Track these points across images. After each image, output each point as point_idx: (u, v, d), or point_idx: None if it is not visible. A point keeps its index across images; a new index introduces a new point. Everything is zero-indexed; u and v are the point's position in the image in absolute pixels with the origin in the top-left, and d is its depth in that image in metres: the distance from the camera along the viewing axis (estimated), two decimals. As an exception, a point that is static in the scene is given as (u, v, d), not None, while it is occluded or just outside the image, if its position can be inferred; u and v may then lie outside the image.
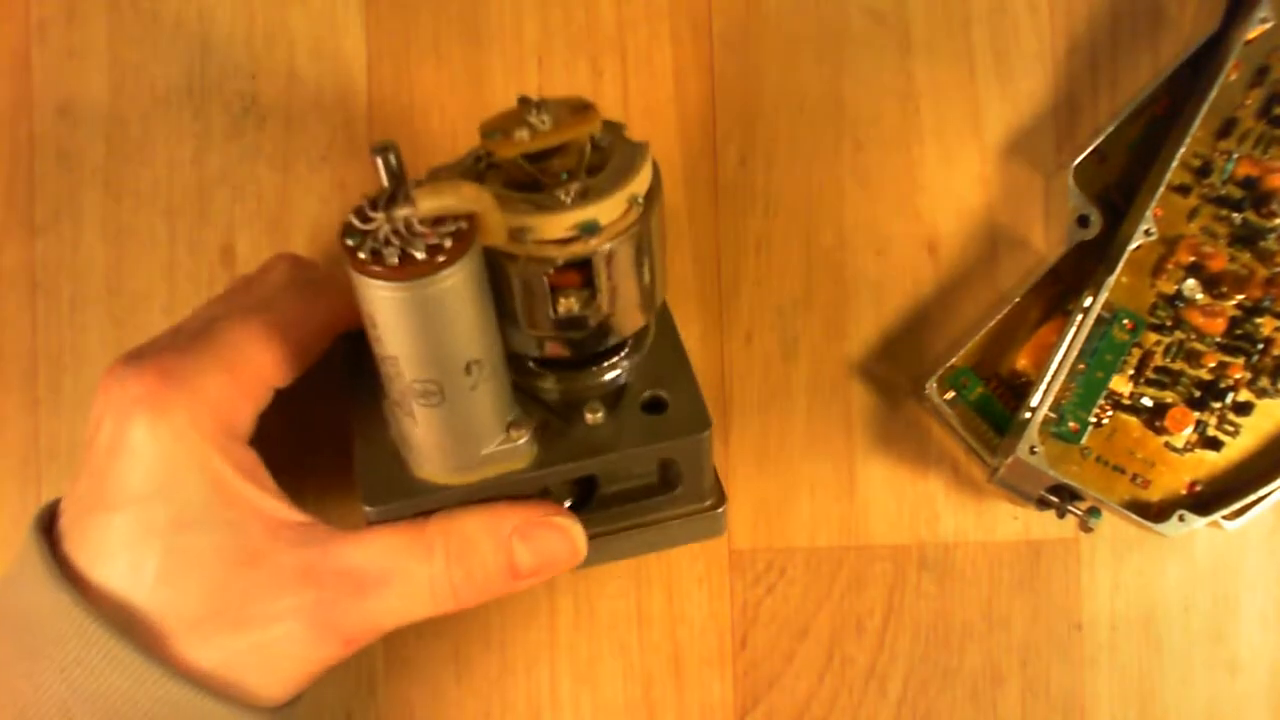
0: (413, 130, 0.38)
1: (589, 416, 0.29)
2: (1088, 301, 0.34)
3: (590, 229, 0.26)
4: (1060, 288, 0.36)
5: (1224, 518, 0.34)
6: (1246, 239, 0.35)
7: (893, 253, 0.37)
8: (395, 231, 0.24)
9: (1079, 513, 0.34)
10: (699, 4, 0.38)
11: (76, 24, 0.38)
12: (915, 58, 0.38)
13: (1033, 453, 0.33)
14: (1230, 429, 0.35)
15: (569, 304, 0.27)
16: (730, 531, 0.37)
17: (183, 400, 0.27)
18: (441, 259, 0.24)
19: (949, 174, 0.37)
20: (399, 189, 0.24)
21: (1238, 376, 0.35)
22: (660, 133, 0.37)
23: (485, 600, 0.28)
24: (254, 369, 0.28)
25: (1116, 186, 0.36)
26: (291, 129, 0.38)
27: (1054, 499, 0.34)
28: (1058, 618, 0.37)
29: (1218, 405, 0.35)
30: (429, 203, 0.24)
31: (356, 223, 0.24)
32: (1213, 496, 0.35)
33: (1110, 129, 0.35)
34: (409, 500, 0.28)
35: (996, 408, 0.36)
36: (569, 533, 0.28)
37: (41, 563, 0.27)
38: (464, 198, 0.24)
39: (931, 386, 0.35)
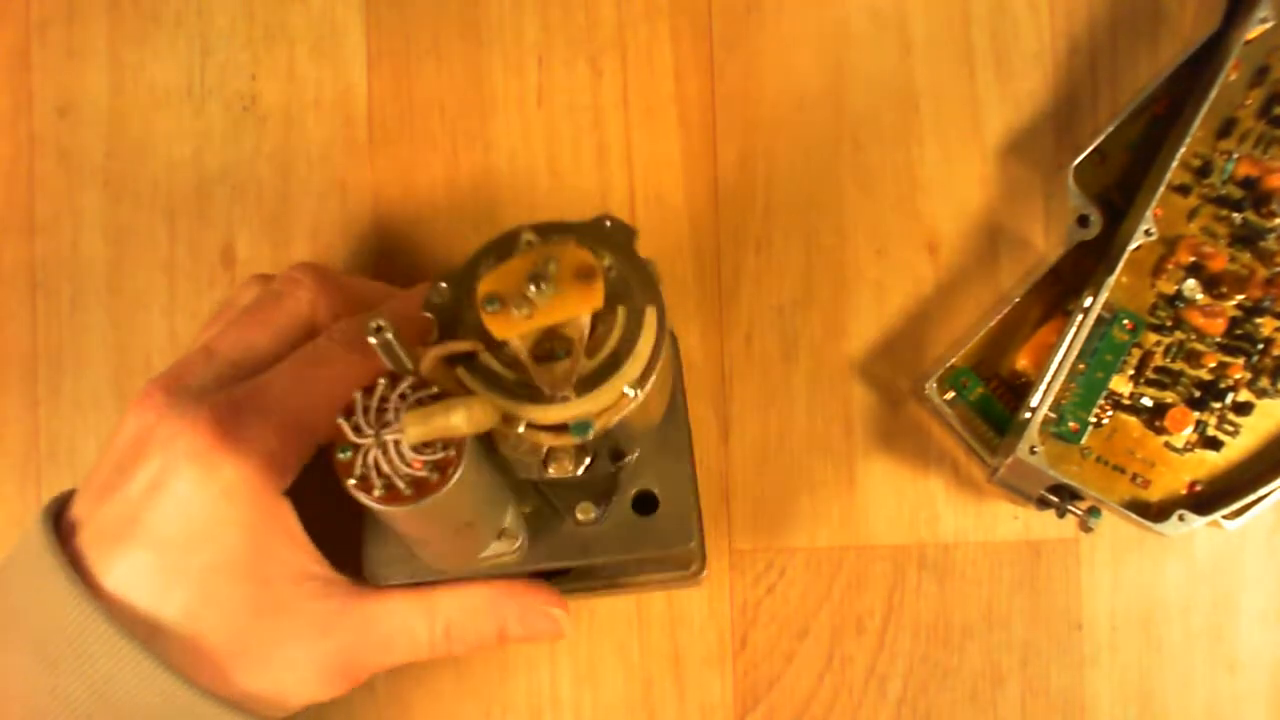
0: (413, 130, 0.38)
1: (579, 515, 0.29)
2: (1088, 301, 0.34)
3: (583, 428, 0.25)
4: (1060, 288, 0.36)
5: (1224, 517, 0.34)
6: (1247, 239, 0.35)
7: (893, 253, 0.37)
8: (383, 457, 0.24)
9: (1079, 513, 0.34)
10: (699, 4, 0.38)
11: (76, 24, 0.38)
12: (915, 58, 0.38)
13: (1033, 453, 0.33)
14: (1230, 429, 0.35)
15: (562, 468, 0.27)
16: (730, 531, 0.37)
17: (234, 460, 0.27)
18: (429, 487, 0.25)
19: (949, 174, 0.37)
20: (389, 401, 0.24)
21: (1238, 376, 0.35)
22: (660, 133, 0.37)
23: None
24: (306, 427, 0.28)
25: (1116, 186, 0.36)
26: (291, 129, 0.38)
27: (1054, 499, 0.34)
28: (1058, 618, 0.37)
29: (1218, 405, 0.35)
30: (417, 430, 0.24)
31: (349, 433, 0.24)
32: (1213, 496, 0.35)
33: (1110, 129, 0.35)
34: (411, 581, 0.30)
35: (996, 408, 0.36)
36: (559, 622, 0.31)
37: (63, 575, 0.27)
38: (453, 424, 0.24)
39: (931, 386, 0.35)
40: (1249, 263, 0.35)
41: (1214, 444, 0.35)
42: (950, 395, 0.36)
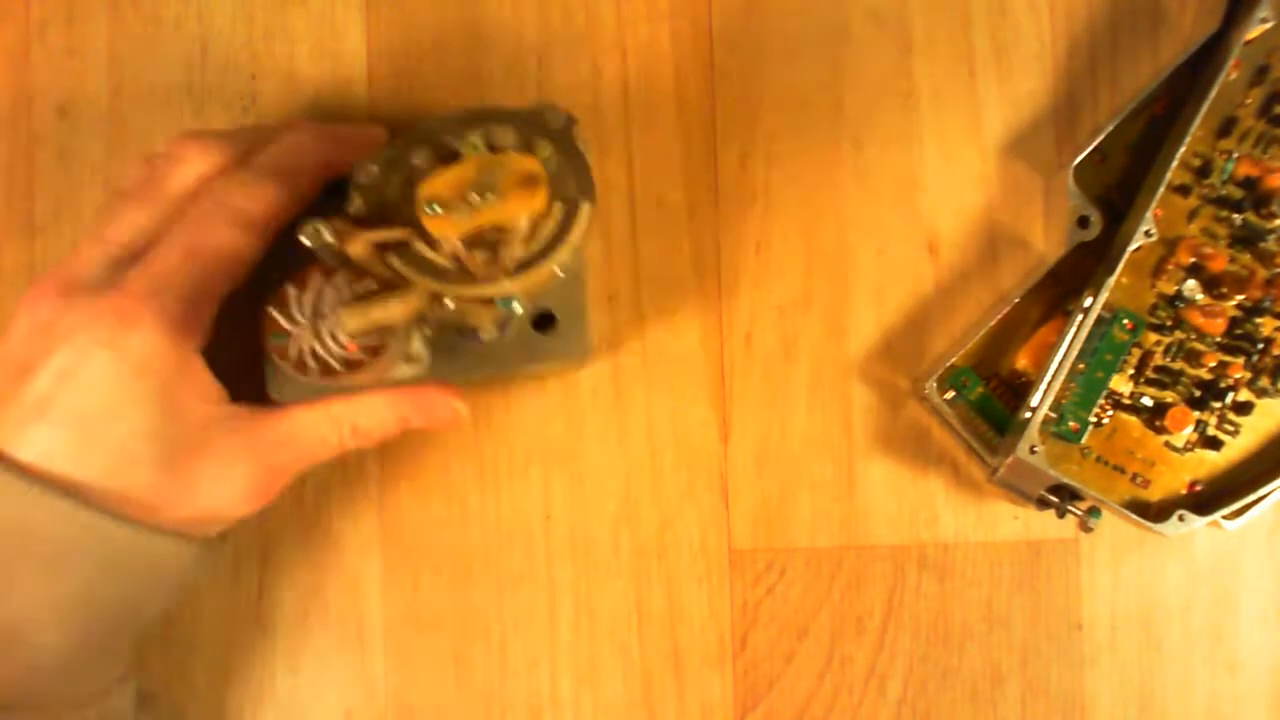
0: (413, 130, 0.38)
1: (483, 336, 0.31)
2: (1088, 301, 0.34)
3: (510, 302, 0.27)
4: (1060, 288, 0.36)
5: (1224, 518, 0.34)
6: (1247, 240, 0.35)
7: (893, 253, 0.37)
8: (319, 344, 0.25)
9: (1079, 513, 0.34)
10: (699, 4, 0.38)
11: (76, 24, 0.38)
12: (915, 58, 0.38)
13: (1033, 452, 0.33)
14: (1230, 429, 0.35)
15: (484, 329, 0.28)
16: (730, 531, 0.37)
17: (140, 338, 0.28)
18: (363, 364, 0.25)
19: (949, 174, 0.37)
20: (323, 294, 0.25)
21: (1238, 376, 0.35)
22: (660, 133, 0.37)
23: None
24: (204, 291, 0.30)
25: (1116, 187, 0.36)
26: (291, 129, 0.38)
27: (1054, 499, 0.34)
28: (1058, 618, 0.37)
29: (1218, 405, 0.35)
30: (356, 323, 0.24)
31: (283, 323, 0.25)
32: (1213, 496, 0.35)
33: (1110, 129, 0.35)
34: (315, 395, 0.31)
35: (996, 407, 0.36)
36: (458, 411, 0.32)
37: None
38: (390, 317, 0.25)
39: (931, 386, 0.35)
40: (1249, 263, 0.35)
41: (1214, 444, 0.35)
42: (950, 395, 0.36)
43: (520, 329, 0.32)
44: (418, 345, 0.30)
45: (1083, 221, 0.35)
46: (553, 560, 0.37)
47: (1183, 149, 0.34)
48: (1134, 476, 0.35)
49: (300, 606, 0.37)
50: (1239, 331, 0.35)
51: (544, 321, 0.32)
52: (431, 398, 0.32)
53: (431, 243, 0.27)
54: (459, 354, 0.31)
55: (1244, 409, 0.35)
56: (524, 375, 0.36)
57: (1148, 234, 0.34)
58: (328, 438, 0.31)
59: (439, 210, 0.26)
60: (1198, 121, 0.34)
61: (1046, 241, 0.37)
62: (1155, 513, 0.34)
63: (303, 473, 0.31)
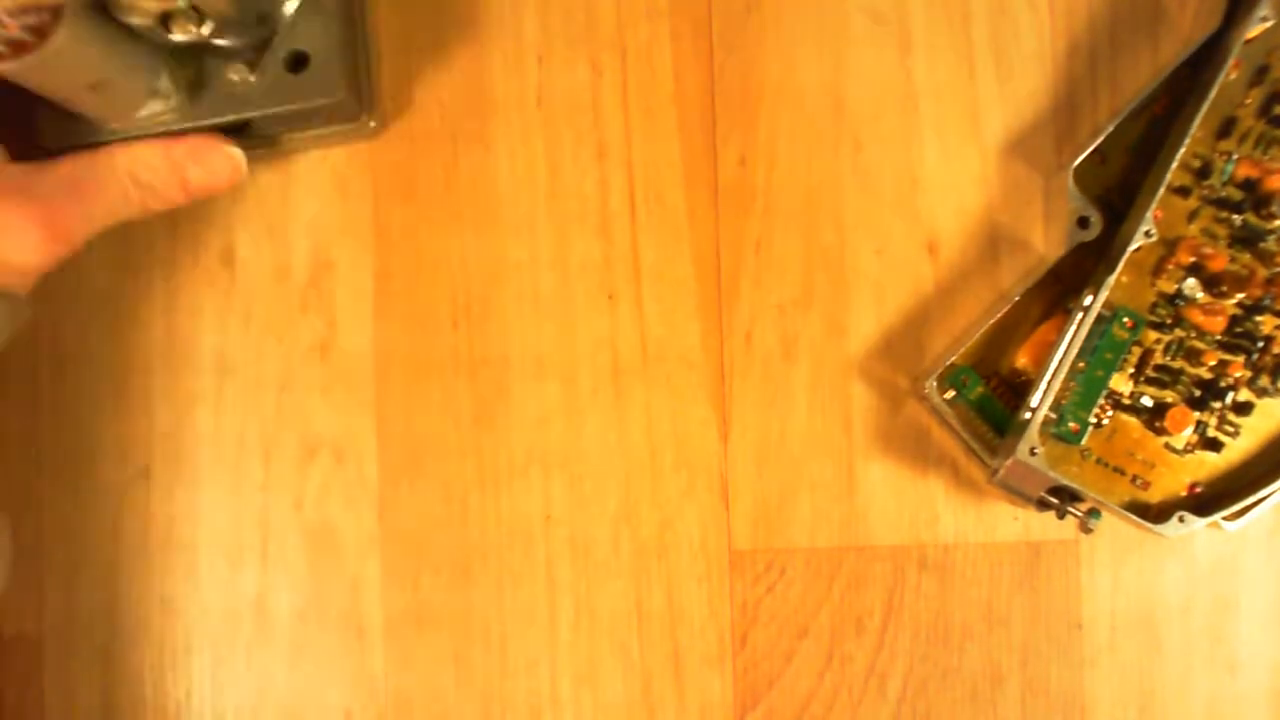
0: (412, 131, 0.38)
1: (233, 75, 0.32)
2: (1088, 300, 0.34)
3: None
4: (1060, 287, 0.36)
5: (1224, 519, 0.34)
6: (1246, 240, 0.35)
7: (893, 252, 0.37)
8: None
9: (1079, 514, 0.34)
10: (699, 4, 0.38)
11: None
12: (915, 57, 0.38)
13: (1033, 454, 0.33)
14: (1230, 429, 0.35)
15: (184, 29, 0.29)
16: (730, 531, 0.37)
17: None
18: (28, 47, 0.25)
19: (949, 174, 0.37)
20: None
21: (1238, 375, 0.35)
22: (660, 133, 0.37)
23: (172, 208, 0.33)
24: None
25: (1117, 187, 0.36)
26: (292, 129, 0.38)
27: (1054, 500, 0.34)
28: (1058, 618, 0.37)
29: (1218, 405, 0.35)
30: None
31: None
32: (1213, 498, 0.35)
33: (1110, 129, 0.35)
34: (85, 143, 0.31)
35: (996, 407, 0.36)
36: (232, 156, 0.33)
37: None
38: None
39: (931, 386, 0.35)
40: (1249, 263, 0.35)
41: (1214, 445, 0.35)
42: (950, 394, 0.36)
43: (276, 72, 0.32)
44: (165, 81, 0.31)
45: (1083, 222, 0.35)
46: (553, 560, 0.37)
47: (1183, 150, 0.34)
48: (1134, 478, 0.35)
49: (300, 606, 0.37)
50: (1239, 330, 0.35)
51: (299, 63, 0.32)
52: (204, 144, 0.32)
53: None
54: (213, 95, 0.32)
55: (1244, 409, 0.35)
56: (301, 139, 0.36)
57: (1148, 234, 0.34)
58: (109, 187, 0.31)
59: None
60: (1197, 122, 0.34)
61: (1046, 241, 0.37)
62: (1155, 514, 0.34)
63: (97, 227, 0.32)
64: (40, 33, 0.26)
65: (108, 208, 0.32)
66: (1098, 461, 0.35)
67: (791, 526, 0.37)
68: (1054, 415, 0.34)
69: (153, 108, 0.32)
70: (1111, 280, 0.34)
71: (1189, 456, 0.35)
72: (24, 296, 0.32)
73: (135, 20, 0.29)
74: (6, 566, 0.34)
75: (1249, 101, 0.35)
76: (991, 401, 0.36)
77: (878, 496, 0.37)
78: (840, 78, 0.38)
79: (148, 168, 0.32)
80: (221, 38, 0.31)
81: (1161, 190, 0.34)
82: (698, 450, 0.37)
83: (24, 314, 0.32)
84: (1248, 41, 0.35)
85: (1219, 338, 0.35)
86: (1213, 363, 0.35)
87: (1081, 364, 0.35)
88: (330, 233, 0.37)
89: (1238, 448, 0.35)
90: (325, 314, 0.37)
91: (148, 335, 0.37)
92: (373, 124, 0.36)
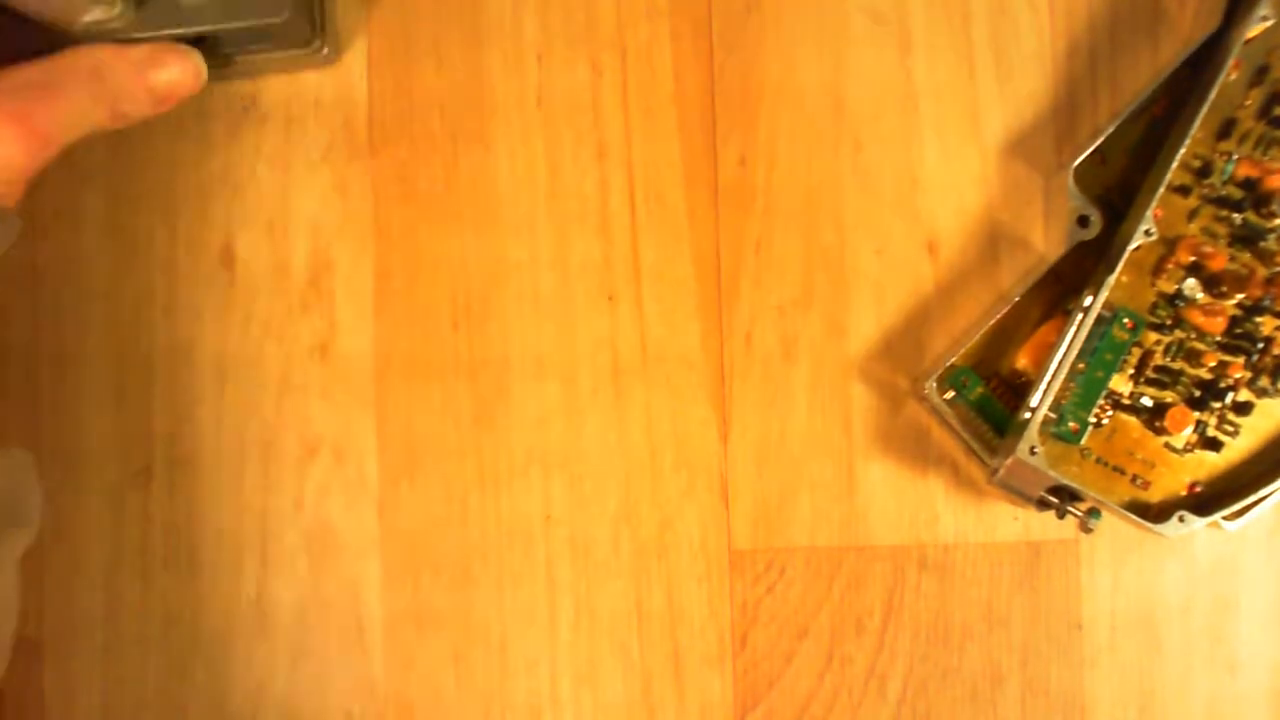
0: (412, 130, 0.38)
1: None
2: (1088, 300, 0.34)
3: None
4: (1060, 288, 0.36)
5: (1224, 518, 0.34)
6: (1247, 239, 0.35)
7: (893, 252, 0.37)
8: None
9: (1079, 513, 0.34)
10: (699, 4, 0.38)
11: (77, 24, 0.38)
12: (915, 57, 0.38)
13: (1033, 453, 0.33)
14: (1230, 429, 0.35)
15: None
16: (730, 531, 0.37)
17: None
18: None
19: (949, 174, 0.37)
20: None
21: (1238, 376, 0.35)
22: (660, 133, 0.37)
23: (142, 118, 0.33)
24: None
25: (1117, 187, 0.36)
26: (291, 129, 0.38)
27: (1054, 500, 0.34)
28: (1058, 618, 0.37)
29: (1218, 405, 0.35)
30: None
31: None
32: (1213, 497, 0.35)
33: (1110, 129, 0.35)
34: (37, 48, 0.31)
35: (996, 407, 0.36)
36: (190, 57, 0.33)
37: None
38: None
39: (931, 385, 0.35)
40: (1249, 262, 0.35)
41: (1214, 445, 0.35)
42: (950, 394, 0.36)
43: None
44: (115, 4, 0.31)
45: (1083, 220, 0.35)
46: (553, 560, 0.37)
47: (1183, 150, 0.34)
48: (1134, 478, 0.35)
49: (300, 606, 0.37)
50: (1239, 330, 0.35)
51: None
52: (161, 48, 0.33)
53: None
54: (160, 6, 0.32)
55: (1244, 409, 0.35)
56: (255, 62, 0.36)
57: (1148, 233, 0.34)
58: (76, 87, 0.31)
59: None
60: (1197, 123, 0.34)
61: (1046, 241, 0.37)
62: (1155, 514, 0.34)
63: (74, 130, 0.31)
64: None
65: (79, 106, 0.32)
66: (1097, 461, 0.35)
67: (791, 526, 0.37)
68: (1054, 415, 0.34)
69: (95, 14, 0.32)
70: (1111, 280, 0.34)
71: (1189, 456, 0.35)
72: (13, 209, 0.32)
73: None
74: (38, 504, 0.34)
75: (1249, 102, 0.35)
76: (991, 402, 0.36)
77: (878, 496, 0.37)
78: (840, 78, 0.38)
79: (108, 67, 0.32)
80: None
81: (1161, 189, 0.34)
82: (698, 450, 0.37)
83: (15, 227, 0.32)
84: (1248, 41, 0.35)
85: (1219, 339, 0.35)
86: (1213, 364, 0.35)
87: (1081, 365, 0.35)
88: (330, 233, 0.37)
89: (1237, 447, 0.35)
90: (325, 314, 0.37)
91: (148, 335, 0.37)
92: (325, 50, 0.36)
